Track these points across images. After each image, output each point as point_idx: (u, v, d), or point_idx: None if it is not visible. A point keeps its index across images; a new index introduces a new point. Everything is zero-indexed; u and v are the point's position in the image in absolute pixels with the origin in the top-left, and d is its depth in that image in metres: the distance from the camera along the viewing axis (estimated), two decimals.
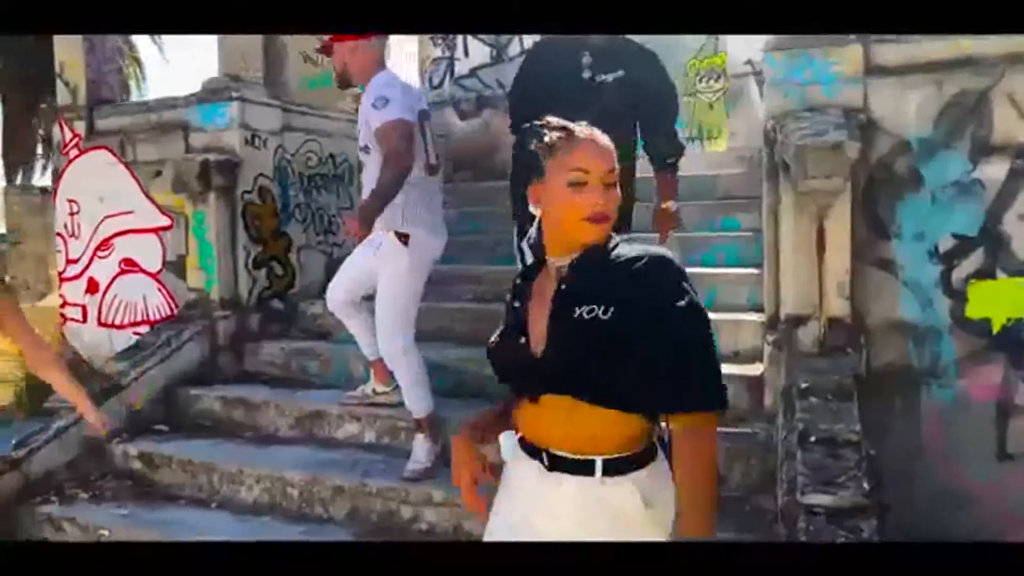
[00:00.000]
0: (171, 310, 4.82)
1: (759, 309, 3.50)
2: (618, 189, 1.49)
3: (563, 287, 1.48)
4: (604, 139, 1.49)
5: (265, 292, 4.68)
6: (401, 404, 3.54)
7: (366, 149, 3.24)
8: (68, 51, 5.14)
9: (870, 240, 3.03)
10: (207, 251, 4.48)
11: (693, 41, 9.99)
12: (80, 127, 5.11)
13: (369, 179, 3.23)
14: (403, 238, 3.17)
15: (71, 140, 5.16)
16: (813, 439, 2.50)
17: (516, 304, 1.57)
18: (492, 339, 1.59)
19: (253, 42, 5.62)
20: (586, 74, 3.01)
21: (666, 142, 3.16)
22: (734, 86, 7.25)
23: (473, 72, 7.55)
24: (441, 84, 7.77)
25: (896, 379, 3.01)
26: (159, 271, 4.90)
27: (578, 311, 1.41)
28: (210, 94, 4.56)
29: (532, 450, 1.52)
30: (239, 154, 4.49)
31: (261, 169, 4.65)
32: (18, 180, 14.59)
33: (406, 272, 3.20)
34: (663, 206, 3.15)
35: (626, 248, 1.48)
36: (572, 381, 1.43)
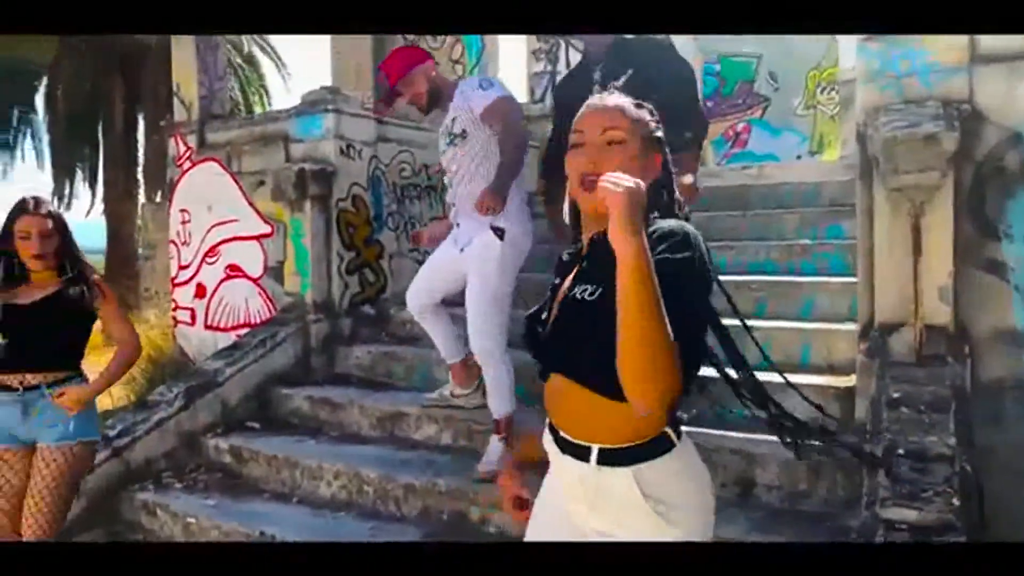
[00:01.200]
0: (271, 314, 5.02)
1: None
2: (624, 148, 1.39)
3: (584, 264, 1.44)
4: (612, 100, 1.44)
5: (357, 297, 4.81)
6: (478, 407, 3.53)
7: (463, 134, 3.24)
8: (183, 71, 5.49)
9: (977, 241, 2.77)
10: (303, 257, 4.64)
11: (813, 53, 9.59)
12: (192, 141, 5.44)
13: (461, 168, 3.26)
14: (499, 232, 3.17)
15: (184, 153, 5.50)
16: (901, 452, 2.30)
17: (556, 280, 1.53)
18: (530, 311, 1.56)
19: (365, 61, 5.82)
20: (596, 89, 3.08)
21: (681, 125, 2.98)
22: (846, 91, 6.90)
23: None
24: (543, 97, 7.80)
25: (1007, 394, 2.74)
26: (260, 276, 5.12)
27: (576, 290, 1.38)
28: (308, 106, 4.74)
29: (551, 431, 1.50)
30: (334, 163, 4.65)
31: (355, 178, 4.79)
32: (157, 198, 15.55)
33: (500, 267, 3.18)
34: (681, 179, 3.06)
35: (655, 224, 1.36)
36: (565, 360, 1.41)
